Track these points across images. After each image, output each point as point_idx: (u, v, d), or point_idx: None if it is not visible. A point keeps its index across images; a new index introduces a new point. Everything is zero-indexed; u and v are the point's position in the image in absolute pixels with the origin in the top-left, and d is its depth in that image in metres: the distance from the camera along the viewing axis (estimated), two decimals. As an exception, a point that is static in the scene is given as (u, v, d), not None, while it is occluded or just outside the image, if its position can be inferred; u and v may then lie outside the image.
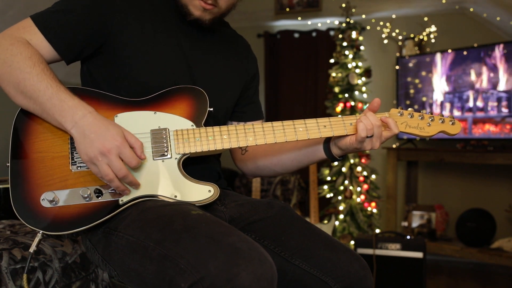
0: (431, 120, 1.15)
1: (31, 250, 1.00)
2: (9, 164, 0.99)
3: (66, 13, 1.04)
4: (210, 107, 1.10)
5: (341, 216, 3.25)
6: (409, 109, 1.16)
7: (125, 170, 0.94)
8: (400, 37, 3.78)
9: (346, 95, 3.36)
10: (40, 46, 1.02)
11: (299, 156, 1.21)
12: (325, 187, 3.39)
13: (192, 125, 1.07)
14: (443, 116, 1.16)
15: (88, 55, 1.10)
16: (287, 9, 4.00)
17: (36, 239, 0.98)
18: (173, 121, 1.06)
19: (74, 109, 0.95)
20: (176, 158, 1.03)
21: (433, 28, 3.62)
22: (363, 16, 3.80)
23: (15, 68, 0.96)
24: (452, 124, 1.16)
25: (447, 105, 3.34)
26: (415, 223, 3.50)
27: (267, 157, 1.25)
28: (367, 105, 3.46)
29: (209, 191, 1.03)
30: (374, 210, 3.29)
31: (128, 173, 0.95)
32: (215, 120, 1.19)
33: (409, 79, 3.55)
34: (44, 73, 0.97)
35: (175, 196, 1.01)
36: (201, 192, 1.02)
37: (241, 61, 1.29)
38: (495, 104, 3.09)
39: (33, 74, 0.96)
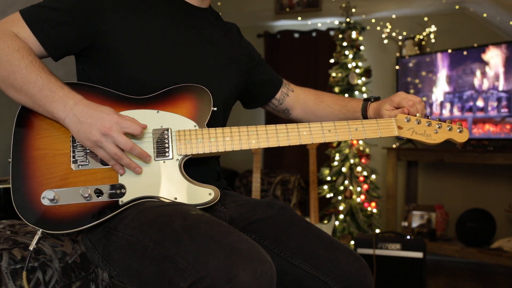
0: (439, 127, 1.12)
1: (31, 247, 1.00)
2: (10, 160, 0.99)
3: (54, 10, 1.03)
4: (213, 107, 1.08)
5: (341, 216, 3.24)
6: (417, 114, 1.13)
7: (131, 142, 0.96)
8: (400, 37, 3.78)
9: (346, 95, 3.36)
10: (28, 40, 1.02)
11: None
12: (325, 187, 3.38)
13: (195, 126, 1.06)
14: (451, 123, 1.13)
15: (79, 54, 1.10)
16: (287, 9, 4.00)
17: (36, 237, 0.99)
18: (175, 121, 1.05)
19: (65, 99, 0.96)
20: (177, 159, 1.03)
21: (433, 28, 3.62)
22: (363, 16, 3.80)
23: (4, 61, 0.97)
24: (460, 132, 1.13)
25: (447, 105, 3.34)
26: (415, 223, 3.49)
27: (305, 117, 1.41)
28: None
29: (209, 194, 1.02)
30: (374, 210, 3.29)
31: (135, 144, 0.97)
32: (217, 116, 1.17)
33: (409, 79, 3.55)
34: (33, 64, 0.97)
35: (175, 198, 1.01)
36: (201, 195, 1.02)
37: (237, 49, 1.29)
38: (495, 104, 3.09)
39: (22, 67, 0.96)
